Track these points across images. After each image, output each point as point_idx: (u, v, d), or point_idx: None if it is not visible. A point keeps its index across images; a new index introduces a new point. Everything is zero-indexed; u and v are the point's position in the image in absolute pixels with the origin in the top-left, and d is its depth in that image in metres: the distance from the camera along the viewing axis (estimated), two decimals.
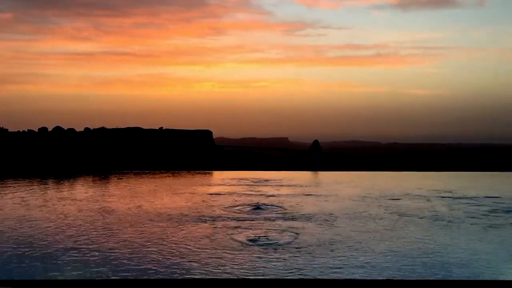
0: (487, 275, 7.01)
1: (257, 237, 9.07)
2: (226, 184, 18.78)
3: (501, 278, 6.98)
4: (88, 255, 7.80)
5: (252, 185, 18.53)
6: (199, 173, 24.35)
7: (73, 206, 12.79)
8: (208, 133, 31.49)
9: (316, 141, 27.01)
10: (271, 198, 14.67)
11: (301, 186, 18.37)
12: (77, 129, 30.52)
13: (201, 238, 9.03)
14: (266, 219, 11.07)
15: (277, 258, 7.69)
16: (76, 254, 7.82)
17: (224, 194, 15.50)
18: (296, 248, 8.35)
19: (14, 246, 8.35)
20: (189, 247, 8.38)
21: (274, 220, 10.89)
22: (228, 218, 11.13)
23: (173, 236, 9.19)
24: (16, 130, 29.95)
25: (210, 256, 7.80)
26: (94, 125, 31.66)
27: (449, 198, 14.88)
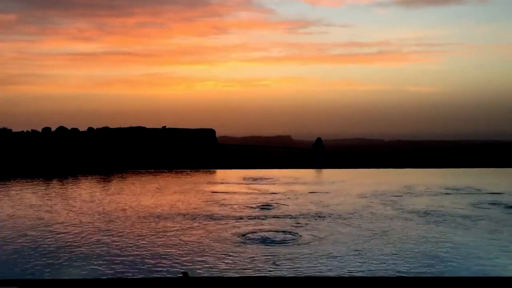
0: (493, 272, 7.02)
1: (262, 236, 9.09)
2: (229, 183, 18.79)
3: (505, 274, 6.98)
4: (93, 254, 7.82)
5: (256, 183, 18.53)
6: (202, 171, 24.36)
7: (76, 206, 12.82)
8: (211, 132, 31.48)
9: (319, 139, 26.98)
10: (275, 196, 14.67)
11: (305, 184, 18.36)
12: (81, 129, 30.56)
13: (205, 237, 9.04)
14: (271, 217, 11.08)
15: (282, 256, 7.70)
16: (80, 254, 7.85)
17: (228, 193, 15.51)
18: (301, 246, 8.36)
19: (18, 246, 8.38)
20: (192, 245, 8.40)
21: (279, 218, 10.90)
22: (233, 216, 11.15)
23: (177, 235, 9.21)
24: (20, 130, 30.00)
25: (214, 254, 7.81)
26: (97, 124, 31.69)
27: (454, 195, 14.86)
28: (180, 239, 8.85)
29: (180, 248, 8.20)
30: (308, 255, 7.77)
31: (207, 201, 13.62)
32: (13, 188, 16.87)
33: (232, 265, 7.19)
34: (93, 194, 15.41)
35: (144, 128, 31.17)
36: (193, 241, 8.69)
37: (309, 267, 7.12)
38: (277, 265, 7.16)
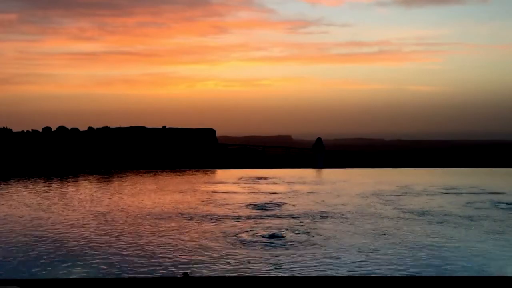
0: (493, 272, 7.01)
1: (262, 235, 9.08)
2: (230, 182, 18.79)
3: (505, 274, 6.97)
4: (93, 254, 7.82)
5: (256, 183, 18.53)
6: (202, 171, 24.37)
7: (77, 206, 12.82)
8: (211, 131, 31.48)
9: (319, 139, 26.97)
10: (275, 196, 14.67)
11: (306, 183, 18.37)
12: (81, 129, 30.57)
13: (206, 236, 9.04)
14: (272, 216, 11.08)
15: (284, 255, 7.70)
16: (80, 253, 7.84)
17: (228, 192, 15.51)
18: (302, 245, 8.35)
19: (19, 246, 8.38)
20: (192, 245, 8.39)
21: (280, 218, 10.89)
22: (233, 216, 11.14)
23: (177, 235, 9.21)
24: (20, 130, 30.00)
25: (214, 254, 7.81)
26: (97, 124, 31.73)
27: (454, 195, 14.86)
28: (180, 239, 8.84)
29: (180, 248, 8.19)
30: (310, 254, 7.76)
31: (208, 201, 13.61)
32: (13, 188, 16.88)
33: (233, 265, 7.18)
34: (93, 193, 15.41)
35: (144, 127, 31.17)
36: (194, 241, 8.68)
37: (310, 266, 7.11)
38: (279, 266, 7.16)
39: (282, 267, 7.08)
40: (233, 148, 34.74)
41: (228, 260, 7.42)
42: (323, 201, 13.65)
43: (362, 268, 7.03)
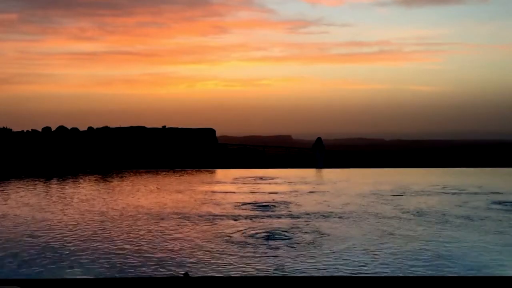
0: (493, 272, 7.01)
1: (263, 235, 9.08)
2: (230, 183, 18.79)
3: (505, 274, 6.97)
4: (93, 254, 7.82)
5: (256, 183, 18.53)
6: (203, 171, 24.36)
7: (77, 206, 12.82)
8: (211, 131, 31.47)
9: (319, 139, 26.96)
10: (275, 196, 14.66)
11: (306, 183, 18.36)
12: (81, 129, 30.57)
13: (206, 236, 9.04)
14: (271, 216, 11.08)
15: (284, 255, 7.70)
16: (80, 253, 7.84)
17: (228, 193, 15.50)
18: (303, 245, 8.35)
19: (19, 246, 8.38)
20: (193, 245, 8.39)
21: (279, 218, 10.89)
22: (233, 216, 11.14)
23: (177, 234, 9.21)
24: (20, 130, 30.00)
25: (216, 253, 7.81)
26: (97, 124, 31.75)
27: (454, 195, 14.86)
28: (180, 239, 8.84)
29: (181, 248, 8.19)
30: (310, 254, 7.76)
31: (207, 201, 13.61)
32: (13, 188, 16.87)
33: (233, 265, 7.18)
34: (94, 193, 15.41)
35: (144, 127, 31.17)
36: (194, 241, 8.68)
37: (310, 266, 7.11)
38: (282, 267, 7.16)
39: (282, 267, 7.07)
40: (233, 148, 34.72)
41: (229, 260, 7.42)
42: (324, 201, 13.64)
43: (362, 268, 7.03)
